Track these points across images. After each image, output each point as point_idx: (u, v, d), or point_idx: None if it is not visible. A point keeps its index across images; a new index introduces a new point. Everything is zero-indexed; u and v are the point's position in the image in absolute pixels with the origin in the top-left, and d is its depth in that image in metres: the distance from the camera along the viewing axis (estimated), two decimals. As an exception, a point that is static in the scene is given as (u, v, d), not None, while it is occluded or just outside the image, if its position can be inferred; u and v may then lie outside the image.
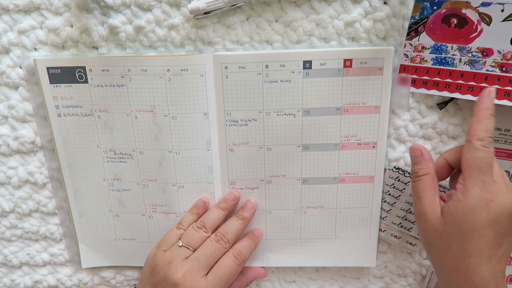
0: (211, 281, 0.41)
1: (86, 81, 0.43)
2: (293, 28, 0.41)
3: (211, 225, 0.44)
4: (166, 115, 0.43)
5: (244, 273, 0.47)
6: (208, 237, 0.43)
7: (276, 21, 0.41)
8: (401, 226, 0.47)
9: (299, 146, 0.44)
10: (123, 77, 0.42)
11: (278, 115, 0.43)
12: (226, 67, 0.41)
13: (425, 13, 0.38)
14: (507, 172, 0.44)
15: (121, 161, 0.46)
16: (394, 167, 0.45)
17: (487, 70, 0.39)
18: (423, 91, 0.41)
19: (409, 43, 0.40)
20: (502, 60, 0.38)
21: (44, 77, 0.42)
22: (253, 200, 0.46)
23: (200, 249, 0.42)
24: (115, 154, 0.45)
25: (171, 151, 0.44)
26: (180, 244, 0.42)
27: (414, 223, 0.47)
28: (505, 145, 0.43)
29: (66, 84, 0.43)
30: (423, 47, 0.39)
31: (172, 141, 0.44)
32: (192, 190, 0.46)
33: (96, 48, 0.42)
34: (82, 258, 0.50)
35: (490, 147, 0.35)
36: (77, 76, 0.42)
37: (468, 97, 0.40)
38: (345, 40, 0.41)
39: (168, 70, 0.41)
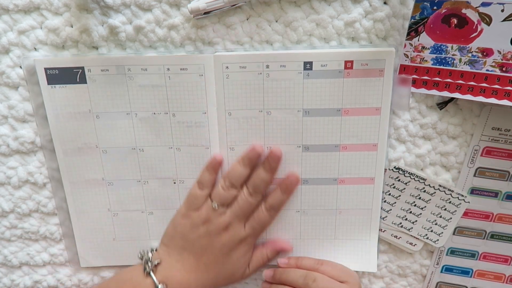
0: (249, 231, 0.45)
1: (84, 82, 0.43)
2: (293, 28, 0.41)
3: (239, 183, 0.44)
4: (167, 113, 0.43)
5: (265, 246, 0.48)
6: (238, 193, 0.44)
7: (276, 21, 0.41)
8: (401, 226, 0.47)
9: (299, 146, 0.44)
10: (124, 76, 0.42)
11: (278, 114, 0.43)
12: (227, 67, 0.41)
13: (425, 13, 0.38)
14: (507, 172, 0.44)
15: (121, 159, 0.46)
16: (394, 167, 0.45)
17: (487, 70, 0.39)
18: (423, 91, 0.41)
19: (409, 43, 0.40)
20: (502, 60, 0.38)
21: (42, 78, 0.42)
22: (277, 150, 0.44)
23: (235, 205, 0.44)
24: (114, 152, 0.45)
25: (171, 147, 0.45)
26: (216, 206, 0.44)
27: (415, 223, 0.47)
28: (505, 145, 0.43)
29: (64, 85, 0.43)
30: (423, 47, 0.39)
31: (172, 138, 0.44)
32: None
33: (96, 48, 0.42)
34: (81, 258, 0.50)
35: None
36: (75, 76, 0.42)
37: (468, 97, 0.40)
38: (345, 40, 0.41)
39: (168, 69, 0.41)
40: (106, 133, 0.45)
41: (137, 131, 0.44)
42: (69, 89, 0.43)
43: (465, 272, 0.49)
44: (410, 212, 0.47)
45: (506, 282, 0.49)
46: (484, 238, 0.47)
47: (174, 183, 0.46)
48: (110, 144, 0.45)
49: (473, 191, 0.45)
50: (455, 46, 0.39)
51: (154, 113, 0.44)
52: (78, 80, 0.43)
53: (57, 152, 0.45)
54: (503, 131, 0.43)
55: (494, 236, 0.47)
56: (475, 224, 0.47)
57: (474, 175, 0.45)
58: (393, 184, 0.46)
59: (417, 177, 0.45)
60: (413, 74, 0.41)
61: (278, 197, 0.45)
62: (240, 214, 0.44)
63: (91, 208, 0.48)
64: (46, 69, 0.42)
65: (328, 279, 0.45)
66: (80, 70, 0.42)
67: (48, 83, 0.43)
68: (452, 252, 0.48)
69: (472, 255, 0.48)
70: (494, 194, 0.45)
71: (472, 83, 0.39)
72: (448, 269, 0.49)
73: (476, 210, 0.46)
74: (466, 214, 0.46)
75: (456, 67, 0.39)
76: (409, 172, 0.45)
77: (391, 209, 0.47)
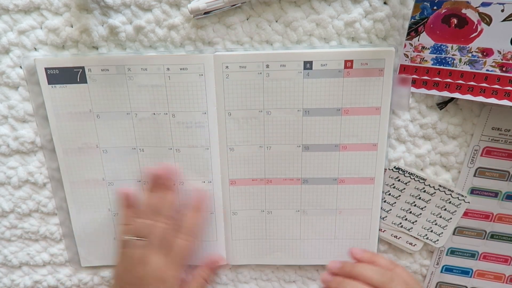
0: (171, 260, 0.43)
1: (85, 81, 0.43)
2: (293, 28, 0.41)
3: (150, 213, 0.44)
4: (166, 113, 0.43)
5: (199, 268, 0.48)
6: (153, 222, 0.43)
7: (276, 21, 0.41)
8: (401, 226, 0.47)
9: (299, 146, 0.44)
10: (124, 76, 0.42)
11: (278, 114, 0.43)
12: (227, 66, 0.41)
13: (425, 13, 0.38)
14: (507, 172, 0.44)
15: (121, 159, 0.46)
16: (394, 167, 0.45)
17: (487, 70, 0.39)
18: (423, 91, 0.41)
19: (409, 43, 0.40)
20: (502, 60, 0.38)
21: (42, 78, 0.42)
22: (165, 166, 0.44)
23: (151, 235, 0.43)
24: (114, 152, 0.45)
25: (171, 148, 0.45)
26: (129, 238, 0.43)
27: (414, 223, 0.47)
28: (505, 145, 0.43)
29: (65, 85, 0.43)
30: (423, 47, 0.39)
31: (172, 139, 0.44)
32: (192, 188, 0.46)
33: (96, 48, 0.42)
34: (81, 258, 0.50)
35: None
36: (76, 76, 0.42)
37: (468, 97, 0.40)
38: (345, 40, 0.41)
39: (168, 69, 0.41)
40: (107, 133, 0.45)
41: (137, 131, 0.45)
42: (69, 88, 0.43)
43: (465, 272, 0.49)
44: (410, 212, 0.47)
45: (506, 282, 0.49)
46: (484, 238, 0.47)
47: (174, 184, 0.46)
48: (111, 144, 0.45)
49: (473, 191, 0.45)
50: (455, 46, 0.39)
51: (154, 114, 0.44)
52: (78, 80, 0.43)
53: (57, 152, 0.45)
54: (503, 131, 0.43)
55: (494, 236, 0.47)
56: (475, 224, 0.47)
57: (474, 175, 0.45)
58: (393, 184, 0.46)
59: (417, 177, 0.45)
60: (413, 74, 0.41)
61: (190, 219, 0.44)
62: (156, 244, 0.42)
63: (91, 208, 0.48)
64: (46, 69, 0.42)
65: (403, 282, 0.41)
66: (81, 70, 0.42)
67: (49, 83, 0.43)
68: (452, 252, 0.48)
69: (472, 255, 0.48)
70: (494, 194, 0.45)
71: (472, 83, 0.39)
72: (448, 269, 0.49)
73: (476, 210, 0.46)
74: (466, 214, 0.46)
75: (456, 67, 0.39)
76: (409, 172, 0.45)
77: (391, 209, 0.47)
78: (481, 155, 0.44)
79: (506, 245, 0.47)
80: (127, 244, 0.43)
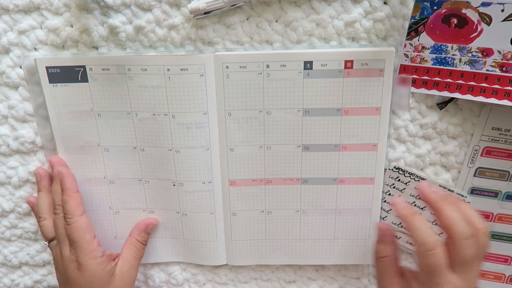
0: (78, 245, 0.42)
1: (86, 80, 0.43)
2: (293, 28, 0.41)
3: (46, 212, 0.45)
4: (166, 114, 0.43)
5: (131, 233, 0.48)
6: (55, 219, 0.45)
7: (276, 21, 0.41)
8: (401, 226, 0.47)
9: (299, 146, 0.44)
10: (124, 76, 0.42)
11: (278, 114, 0.43)
12: (227, 66, 0.41)
13: (425, 13, 0.38)
14: (507, 172, 0.44)
15: (122, 158, 0.46)
16: (394, 167, 0.45)
17: (487, 70, 0.39)
18: (423, 91, 0.41)
19: (409, 43, 0.40)
20: (502, 60, 0.38)
21: (43, 77, 0.42)
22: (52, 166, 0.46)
23: (56, 231, 0.44)
24: (116, 151, 0.45)
25: (171, 149, 0.45)
26: (46, 244, 0.46)
27: (414, 223, 0.47)
28: (505, 145, 0.43)
29: (66, 83, 0.43)
30: (423, 47, 0.39)
31: (172, 140, 0.44)
32: (192, 188, 0.46)
33: (96, 48, 0.42)
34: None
35: (435, 248, 0.37)
36: (77, 75, 0.42)
37: (468, 97, 0.40)
38: (345, 40, 0.41)
39: (168, 69, 0.41)
40: (108, 132, 0.45)
41: (138, 131, 0.45)
42: (70, 87, 0.43)
43: (465, 272, 0.49)
44: (410, 212, 0.47)
45: (506, 282, 0.49)
46: (484, 238, 0.47)
47: (174, 185, 0.46)
48: (112, 143, 0.45)
49: (473, 191, 0.45)
50: (455, 46, 0.39)
51: (154, 114, 0.44)
52: (79, 79, 0.43)
53: (58, 151, 0.45)
54: (503, 131, 0.43)
55: (494, 236, 0.47)
56: (475, 224, 0.47)
57: (474, 175, 0.45)
58: (393, 184, 0.46)
59: (417, 177, 0.45)
60: (413, 74, 0.41)
61: (66, 201, 0.43)
62: (62, 236, 0.43)
63: (92, 206, 0.48)
64: (47, 68, 0.42)
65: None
66: (82, 69, 0.42)
67: (50, 82, 0.43)
68: (452, 252, 0.48)
69: (472, 255, 0.48)
70: (494, 194, 0.45)
71: (472, 83, 0.39)
72: (448, 269, 0.49)
73: (476, 210, 0.46)
74: (466, 214, 0.46)
75: (456, 67, 0.39)
76: (409, 172, 0.45)
77: (391, 209, 0.47)
78: (481, 155, 0.44)
79: (506, 245, 0.47)
80: (51, 250, 0.45)
